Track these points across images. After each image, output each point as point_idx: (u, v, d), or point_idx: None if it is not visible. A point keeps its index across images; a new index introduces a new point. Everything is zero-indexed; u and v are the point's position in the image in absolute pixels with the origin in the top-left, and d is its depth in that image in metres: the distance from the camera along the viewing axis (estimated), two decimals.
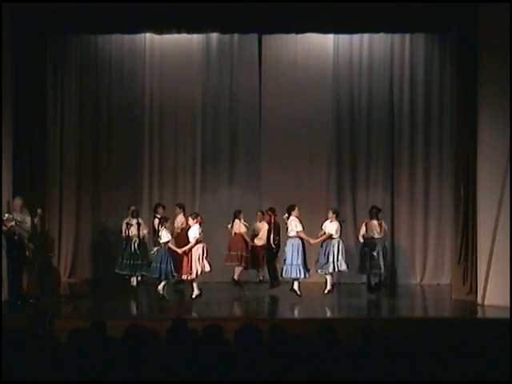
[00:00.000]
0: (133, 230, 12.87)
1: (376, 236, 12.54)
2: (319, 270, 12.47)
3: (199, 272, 11.57)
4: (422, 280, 14.52)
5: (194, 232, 11.65)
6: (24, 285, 11.80)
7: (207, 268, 11.61)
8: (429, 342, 5.79)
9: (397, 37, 14.34)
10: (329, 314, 11.65)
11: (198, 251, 11.58)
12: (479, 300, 11.84)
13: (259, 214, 13.42)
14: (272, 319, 10.43)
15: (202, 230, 11.75)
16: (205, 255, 11.62)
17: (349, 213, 14.51)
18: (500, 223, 11.57)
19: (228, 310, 11.95)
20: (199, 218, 11.84)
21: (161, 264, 11.58)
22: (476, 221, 12.07)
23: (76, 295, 12.84)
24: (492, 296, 11.61)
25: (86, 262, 14.59)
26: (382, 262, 12.44)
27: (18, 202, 11.89)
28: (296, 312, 11.83)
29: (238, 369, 5.37)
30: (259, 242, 12.95)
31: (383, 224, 12.75)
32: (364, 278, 13.04)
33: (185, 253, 11.61)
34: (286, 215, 12.42)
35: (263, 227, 13.09)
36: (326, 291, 12.34)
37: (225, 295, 12.82)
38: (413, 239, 14.59)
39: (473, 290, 12.08)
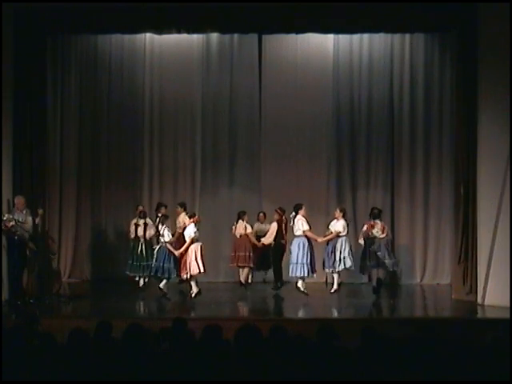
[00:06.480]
0: (140, 231, 12.89)
1: (379, 236, 12.49)
2: (326, 269, 12.47)
3: (196, 271, 11.57)
4: (422, 280, 14.53)
5: (190, 231, 11.67)
6: (24, 285, 11.80)
7: (201, 269, 11.60)
8: (429, 342, 5.79)
9: (397, 37, 14.34)
10: (329, 314, 11.64)
11: (194, 250, 11.59)
12: (479, 300, 11.83)
13: (261, 214, 13.41)
14: (272, 319, 10.42)
15: (198, 229, 11.74)
16: (200, 255, 11.60)
17: (349, 213, 14.45)
18: (500, 223, 11.57)
19: (228, 309, 11.96)
20: (196, 217, 11.86)
21: (163, 263, 11.59)
22: (476, 221, 12.07)
23: (76, 295, 12.83)
24: (492, 296, 11.60)
25: (85, 262, 14.60)
26: (387, 261, 12.40)
27: (21, 200, 11.86)
28: (296, 312, 11.82)
29: (238, 369, 5.37)
30: (266, 240, 12.84)
31: (384, 225, 12.69)
32: (364, 278, 13.07)
33: (182, 253, 11.61)
34: (294, 214, 12.39)
35: (267, 228, 13.04)
36: (332, 290, 12.33)
37: (225, 295, 12.82)
38: (413, 239, 14.60)
39: (473, 289, 12.08)
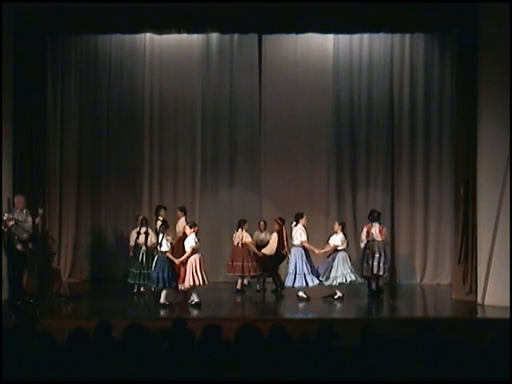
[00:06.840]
0: (141, 239, 12.80)
1: (377, 239, 12.45)
2: (324, 282, 12.31)
3: (196, 283, 11.46)
4: (422, 280, 14.53)
5: (190, 241, 11.54)
6: (24, 285, 11.79)
7: (203, 280, 11.48)
8: (429, 342, 5.79)
9: (397, 37, 14.35)
10: (329, 314, 11.63)
11: (194, 262, 11.48)
12: (479, 300, 11.83)
13: (261, 223, 13.33)
14: (272, 319, 10.41)
15: (198, 240, 11.67)
16: (201, 267, 11.51)
17: (349, 213, 14.52)
18: (500, 223, 11.57)
19: (228, 310, 11.95)
20: (196, 227, 11.76)
21: (163, 273, 11.48)
22: (476, 221, 12.07)
23: (76, 295, 12.83)
24: (492, 296, 11.61)
25: (85, 262, 14.60)
26: (382, 265, 12.36)
27: (21, 200, 11.84)
28: (296, 312, 11.81)
29: (238, 369, 5.37)
30: (267, 251, 12.72)
31: (383, 229, 12.64)
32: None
33: (181, 263, 11.54)
34: (295, 223, 12.33)
35: (267, 237, 12.97)
36: (336, 296, 12.18)
37: (225, 295, 12.82)
38: (413, 239, 14.60)
39: (473, 289, 12.07)
